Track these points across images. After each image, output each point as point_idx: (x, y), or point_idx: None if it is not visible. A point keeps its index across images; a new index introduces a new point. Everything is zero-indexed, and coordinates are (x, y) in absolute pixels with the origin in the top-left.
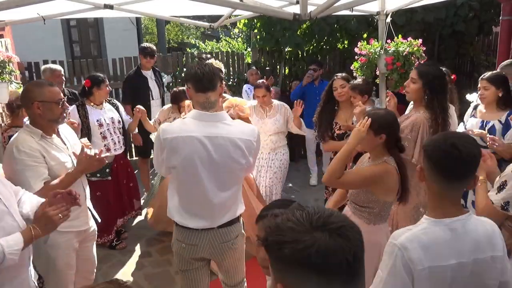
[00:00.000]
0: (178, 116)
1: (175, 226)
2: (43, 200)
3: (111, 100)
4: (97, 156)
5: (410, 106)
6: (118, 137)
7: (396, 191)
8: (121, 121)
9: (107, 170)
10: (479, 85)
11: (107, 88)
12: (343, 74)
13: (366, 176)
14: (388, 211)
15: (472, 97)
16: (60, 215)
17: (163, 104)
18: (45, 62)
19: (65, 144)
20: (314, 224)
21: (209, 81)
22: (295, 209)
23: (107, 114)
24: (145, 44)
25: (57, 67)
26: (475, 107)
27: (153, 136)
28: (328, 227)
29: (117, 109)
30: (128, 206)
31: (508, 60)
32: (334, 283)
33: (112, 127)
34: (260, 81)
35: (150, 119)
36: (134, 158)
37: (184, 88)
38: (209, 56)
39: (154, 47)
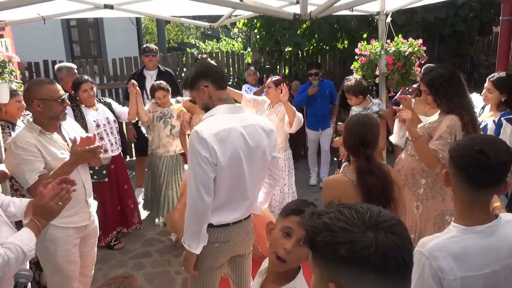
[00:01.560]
0: (163, 110)
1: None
2: (25, 199)
3: (101, 99)
4: (89, 147)
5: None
6: (115, 137)
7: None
8: (116, 121)
9: (104, 171)
10: (485, 85)
11: (91, 89)
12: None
13: (324, 185)
14: None
15: (472, 97)
16: (60, 202)
17: None
18: (45, 62)
19: (66, 141)
20: (368, 223)
21: (224, 78)
22: (341, 207)
23: (103, 114)
24: (145, 45)
25: (72, 65)
26: (483, 107)
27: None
28: (382, 226)
29: (110, 107)
30: (128, 213)
31: None
32: (389, 280)
33: (109, 127)
34: (276, 77)
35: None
36: (131, 158)
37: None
38: (205, 56)
39: (154, 46)
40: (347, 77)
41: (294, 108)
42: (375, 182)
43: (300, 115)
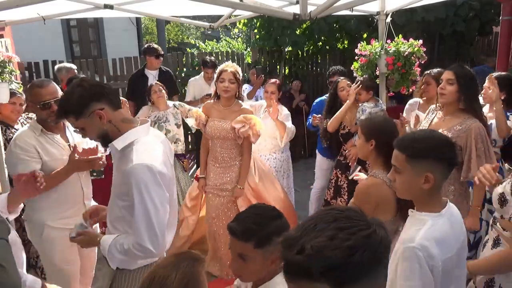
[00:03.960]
0: (158, 114)
1: None
2: (4, 194)
3: None
4: (87, 157)
5: (408, 105)
6: None
7: (392, 207)
8: None
9: (102, 168)
10: (485, 84)
11: None
12: (340, 69)
13: (356, 192)
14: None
15: None
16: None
17: None
18: (45, 62)
19: (69, 142)
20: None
21: (118, 94)
22: (330, 210)
23: None
24: (152, 45)
25: (72, 65)
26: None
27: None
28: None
29: None
30: None
31: None
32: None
33: None
34: (274, 80)
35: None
36: None
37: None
38: (213, 58)
39: (159, 47)
40: (339, 78)
41: (285, 123)
42: None
43: (291, 126)
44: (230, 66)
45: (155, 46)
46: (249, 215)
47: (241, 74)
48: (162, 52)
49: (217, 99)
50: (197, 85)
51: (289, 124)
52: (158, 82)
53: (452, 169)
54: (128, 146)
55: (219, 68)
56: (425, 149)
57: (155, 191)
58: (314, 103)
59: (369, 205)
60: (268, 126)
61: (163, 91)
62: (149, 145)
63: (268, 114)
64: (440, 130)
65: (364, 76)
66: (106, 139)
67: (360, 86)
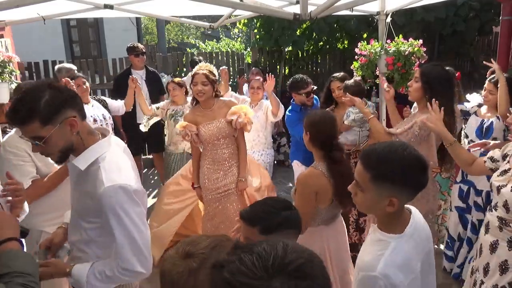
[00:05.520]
0: (176, 108)
1: None
2: None
3: (95, 97)
4: None
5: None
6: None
7: (329, 196)
8: (111, 117)
9: None
10: (485, 86)
11: (84, 84)
12: (340, 75)
13: (297, 181)
14: (323, 216)
15: (472, 97)
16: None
17: (151, 103)
18: (45, 62)
19: None
20: (271, 270)
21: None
22: (242, 254)
23: (98, 110)
24: (133, 44)
25: (72, 66)
26: (479, 105)
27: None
28: (288, 270)
29: (104, 104)
30: None
31: None
32: None
33: (105, 123)
34: (257, 74)
35: (135, 118)
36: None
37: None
38: (201, 58)
39: (142, 45)
40: (333, 75)
41: (278, 100)
42: (345, 170)
43: (282, 106)
44: (202, 67)
45: (136, 44)
46: (261, 204)
47: (216, 73)
48: (143, 51)
49: (197, 103)
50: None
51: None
52: (174, 80)
53: (419, 191)
54: (92, 165)
55: (193, 70)
56: (391, 173)
57: (134, 211)
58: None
59: (309, 193)
60: (261, 120)
61: (178, 89)
62: (117, 161)
63: (258, 109)
64: (410, 123)
65: (350, 81)
66: (67, 154)
67: (345, 92)
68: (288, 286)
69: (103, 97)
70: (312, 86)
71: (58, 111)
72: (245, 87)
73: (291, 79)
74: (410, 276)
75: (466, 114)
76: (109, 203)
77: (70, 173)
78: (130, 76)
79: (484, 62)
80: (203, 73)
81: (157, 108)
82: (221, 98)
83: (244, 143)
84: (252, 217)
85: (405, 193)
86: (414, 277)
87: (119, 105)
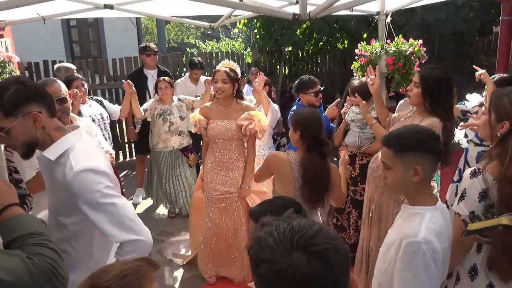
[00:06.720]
0: (163, 107)
1: None
2: None
3: (92, 97)
4: None
5: (400, 104)
6: (108, 133)
7: (290, 184)
8: (108, 116)
9: None
10: (486, 86)
11: (82, 86)
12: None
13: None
14: None
15: (472, 97)
16: None
17: None
18: (45, 62)
19: None
20: (295, 245)
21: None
22: (281, 222)
23: (96, 110)
24: (145, 44)
25: (71, 65)
26: (481, 105)
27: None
28: (309, 249)
29: (101, 104)
30: None
31: None
32: None
33: (103, 123)
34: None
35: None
36: (131, 158)
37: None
38: (200, 59)
39: (154, 45)
40: (353, 77)
41: (269, 99)
42: (318, 170)
43: (275, 106)
44: (225, 65)
45: (147, 44)
46: (270, 203)
47: (239, 71)
48: (155, 51)
49: (216, 100)
50: (184, 86)
51: (273, 104)
52: (165, 78)
53: (439, 161)
54: (62, 156)
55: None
56: (411, 142)
57: (108, 189)
58: None
59: (266, 169)
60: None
61: (169, 88)
62: (86, 149)
63: (259, 109)
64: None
65: (357, 81)
66: (32, 149)
67: (354, 93)
68: (304, 263)
69: (100, 98)
70: (320, 86)
71: (21, 105)
72: (245, 88)
73: (297, 80)
74: (444, 245)
75: (466, 114)
76: (78, 186)
77: (42, 169)
78: (124, 81)
79: (473, 66)
80: (225, 71)
81: (146, 110)
82: (242, 101)
83: (254, 150)
84: (258, 214)
85: (426, 160)
86: (446, 248)
87: (114, 110)
